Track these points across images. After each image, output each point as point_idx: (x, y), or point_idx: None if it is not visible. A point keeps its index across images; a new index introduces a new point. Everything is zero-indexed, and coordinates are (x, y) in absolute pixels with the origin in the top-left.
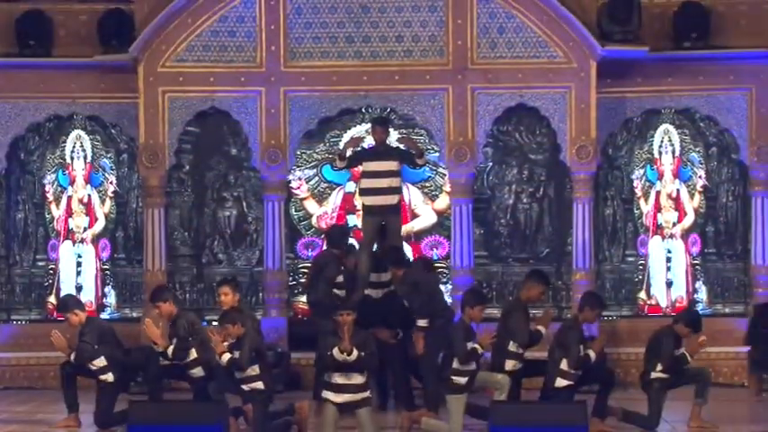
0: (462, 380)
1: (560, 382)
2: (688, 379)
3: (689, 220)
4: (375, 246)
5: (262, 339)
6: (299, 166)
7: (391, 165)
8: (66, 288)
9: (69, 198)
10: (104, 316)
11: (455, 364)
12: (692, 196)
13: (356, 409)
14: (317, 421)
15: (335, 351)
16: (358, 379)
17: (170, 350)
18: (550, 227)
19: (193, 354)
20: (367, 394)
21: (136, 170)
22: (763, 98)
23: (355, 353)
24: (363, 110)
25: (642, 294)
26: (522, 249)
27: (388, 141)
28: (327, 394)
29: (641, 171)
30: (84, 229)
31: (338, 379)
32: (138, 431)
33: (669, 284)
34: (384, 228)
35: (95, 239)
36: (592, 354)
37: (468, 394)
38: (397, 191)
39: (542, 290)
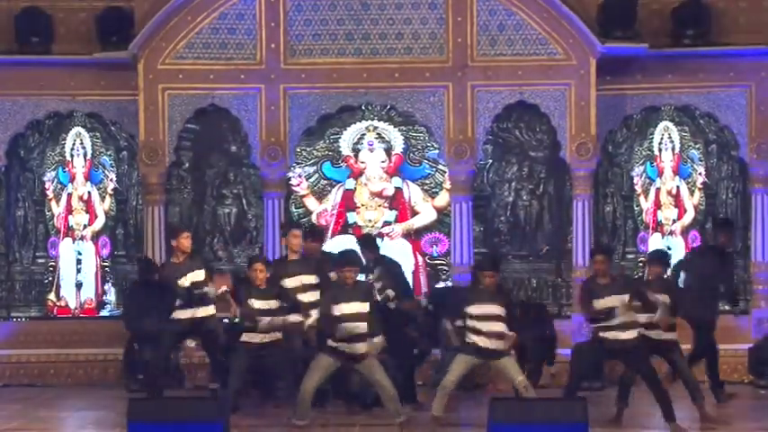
0: (475, 338)
1: None
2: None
3: (689, 216)
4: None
5: None
6: (298, 164)
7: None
8: (67, 285)
9: (69, 195)
10: (104, 313)
11: (460, 322)
12: (691, 193)
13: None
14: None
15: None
16: (362, 329)
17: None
18: (550, 224)
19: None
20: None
21: (136, 167)
22: (763, 95)
23: (365, 303)
24: (363, 107)
25: None
26: (521, 246)
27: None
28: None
29: (641, 168)
30: (84, 227)
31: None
32: (138, 428)
33: None
34: None
35: (95, 237)
36: None
37: (476, 359)
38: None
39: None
